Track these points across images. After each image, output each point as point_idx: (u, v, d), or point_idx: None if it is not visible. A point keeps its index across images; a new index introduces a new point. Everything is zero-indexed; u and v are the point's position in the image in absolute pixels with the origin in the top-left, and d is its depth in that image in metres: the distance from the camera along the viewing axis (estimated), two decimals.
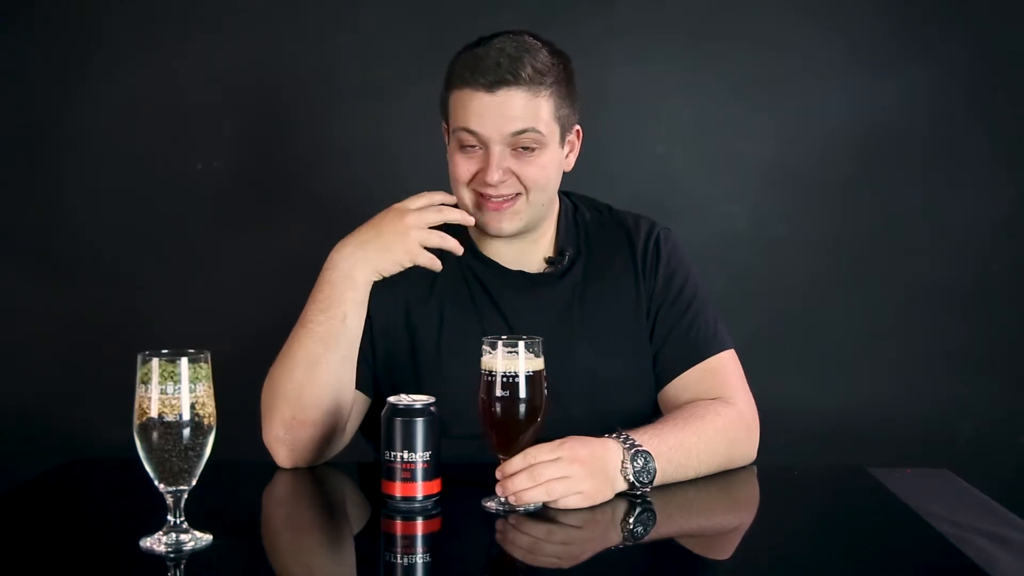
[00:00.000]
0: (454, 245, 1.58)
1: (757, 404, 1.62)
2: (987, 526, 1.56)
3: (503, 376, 1.35)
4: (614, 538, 1.34)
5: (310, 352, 1.54)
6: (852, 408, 2.46)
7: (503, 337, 1.36)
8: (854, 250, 2.48)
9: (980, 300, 2.48)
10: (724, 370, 1.62)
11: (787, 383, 2.39)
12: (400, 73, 2.43)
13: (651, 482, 1.40)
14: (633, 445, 1.40)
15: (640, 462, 1.39)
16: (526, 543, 1.30)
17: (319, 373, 1.53)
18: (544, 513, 1.35)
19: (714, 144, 2.48)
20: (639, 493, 1.40)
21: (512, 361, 1.35)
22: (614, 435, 1.42)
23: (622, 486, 1.39)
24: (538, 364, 1.37)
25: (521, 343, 1.35)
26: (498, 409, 1.35)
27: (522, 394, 1.35)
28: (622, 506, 1.39)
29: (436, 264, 1.58)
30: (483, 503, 1.37)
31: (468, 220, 1.59)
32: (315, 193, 2.47)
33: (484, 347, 1.37)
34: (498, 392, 1.35)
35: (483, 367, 1.37)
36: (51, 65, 2.45)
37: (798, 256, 2.48)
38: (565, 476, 1.34)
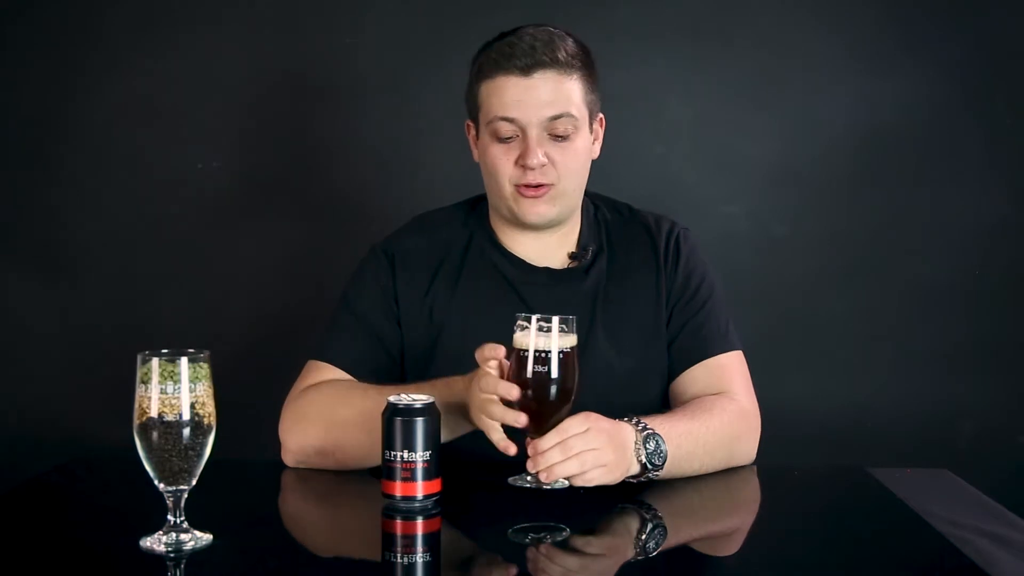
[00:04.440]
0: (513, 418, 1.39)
1: (758, 404, 1.63)
2: (987, 526, 1.56)
3: (537, 353, 1.34)
4: (615, 535, 1.34)
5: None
6: (852, 408, 2.46)
7: (537, 315, 1.35)
8: (854, 250, 2.48)
9: (980, 300, 2.48)
10: (731, 368, 1.64)
11: (787, 383, 2.39)
12: (401, 73, 2.43)
13: (663, 464, 1.42)
14: (645, 428, 1.43)
15: (652, 444, 1.42)
16: (527, 544, 1.30)
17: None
18: (544, 515, 1.35)
19: (714, 144, 2.48)
20: (650, 476, 1.42)
21: (546, 339, 1.34)
22: (625, 419, 1.44)
23: (636, 468, 1.41)
24: (572, 340, 1.36)
25: (555, 319, 1.34)
26: (532, 388, 1.34)
27: (555, 373, 1.34)
28: (623, 504, 1.39)
29: (497, 442, 1.40)
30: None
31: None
32: (315, 193, 2.47)
33: (519, 323, 1.36)
34: (536, 369, 1.34)
35: (517, 344, 1.36)
36: (51, 65, 2.45)
37: (798, 256, 2.48)
38: (594, 448, 1.35)
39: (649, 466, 1.42)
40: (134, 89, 2.44)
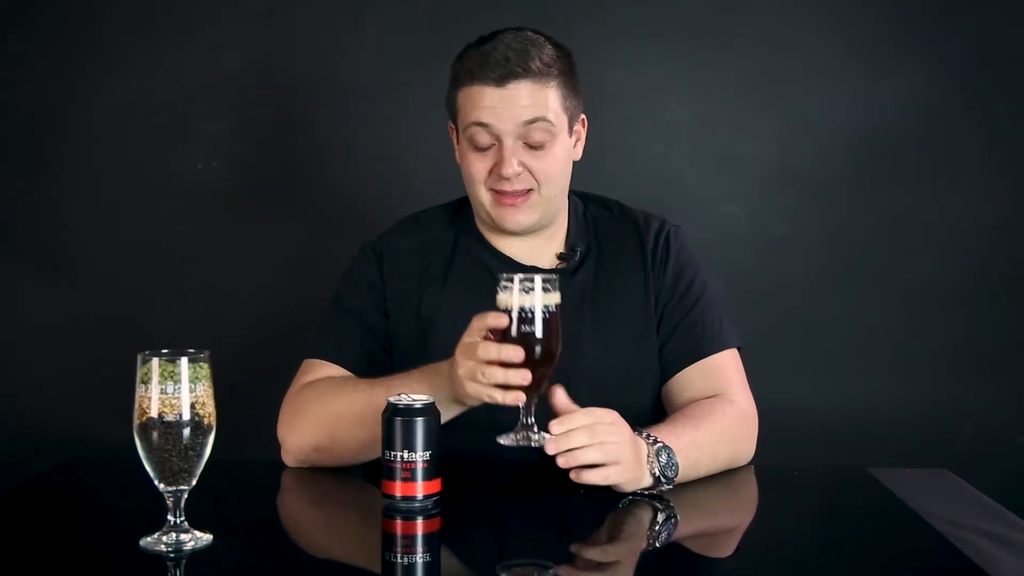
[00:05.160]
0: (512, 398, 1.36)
1: (757, 404, 1.63)
2: (987, 526, 1.56)
3: (522, 312, 1.32)
4: (614, 535, 1.34)
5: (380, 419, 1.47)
6: (852, 408, 2.46)
7: (519, 274, 1.34)
8: (854, 250, 2.48)
9: (980, 300, 2.48)
10: (726, 368, 1.63)
11: (787, 383, 2.39)
12: (401, 73, 2.43)
13: (675, 476, 1.41)
14: (656, 441, 1.42)
15: (664, 457, 1.40)
16: (527, 544, 1.30)
17: (378, 434, 1.45)
18: (543, 515, 1.34)
19: (714, 144, 2.48)
20: (662, 490, 1.41)
21: (531, 297, 1.33)
22: (634, 431, 1.42)
23: (648, 481, 1.40)
24: (556, 298, 1.35)
25: (538, 277, 1.33)
26: (520, 347, 1.32)
27: (540, 331, 1.32)
28: (622, 504, 1.39)
29: (505, 399, 1.35)
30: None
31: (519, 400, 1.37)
32: (315, 193, 2.47)
33: (502, 282, 1.34)
34: (522, 328, 1.32)
35: (500, 304, 1.34)
36: (51, 65, 2.45)
37: (798, 256, 2.48)
38: (617, 441, 1.34)
39: (663, 479, 1.40)
40: (134, 89, 2.44)
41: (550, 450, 1.33)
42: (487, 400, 1.36)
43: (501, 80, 1.54)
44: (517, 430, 1.36)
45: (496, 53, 1.55)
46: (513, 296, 1.33)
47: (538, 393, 1.36)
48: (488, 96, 1.55)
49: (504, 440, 1.37)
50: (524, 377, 1.32)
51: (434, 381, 1.45)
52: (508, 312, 1.33)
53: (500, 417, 1.39)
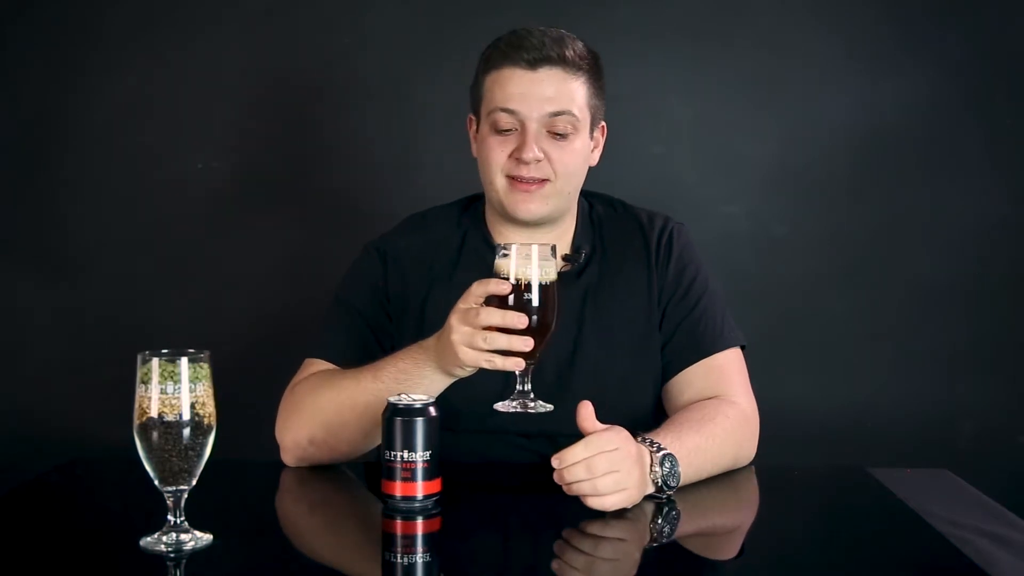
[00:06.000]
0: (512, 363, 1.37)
1: (757, 404, 1.63)
2: (987, 526, 1.56)
3: (521, 280, 1.33)
4: (612, 537, 1.34)
5: (370, 404, 1.47)
6: (852, 408, 2.46)
7: (517, 243, 1.35)
8: (854, 250, 2.48)
9: (980, 300, 2.48)
10: (728, 368, 1.62)
11: (787, 383, 2.39)
12: (401, 73, 2.43)
13: (676, 485, 1.40)
14: (660, 448, 1.40)
15: (667, 466, 1.39)
16: (527, 544, 1.30)
17: (369, 419, 1.49)
18: (543, 515, 1.34)
19: (714, 144, 2.48)
20: (664, 497, 1.40)
21: (529, 266, 1.34)
22: (637, 438, 1.40)
23: (649, 489, 1.39)
24: (552, 270, 1.36)
25: (536, 247, 1.34)
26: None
27: (537, 301, 1.34)
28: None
29: (505, 364, 1.36)
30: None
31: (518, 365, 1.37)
32: (315, 193, 2.47)
33: (501, 251, 1.35)
34: (524, 295, 1.33)
35: (498, 271, 1.35)
36: (51, 65, 2.45)
37: (798, 256, 2.48)
38: (615, 471, 1.32)
39: (665, 488, 1.39)
40: (134, 89, 2.44)
41: (556, 479, 1.33)
42: (484, 365, 1.36)
43: (534, 63, 1.55)
44: (514, 397, 1.38)
45: (532, 38, 1.56)
46: (512, 264, 1.34)
47: (534, 361, 1.36)
48: (517, 80, 1.55)
49: (501, 407, 1.38)
50: (526, 343, 1.33)
51: (418, 355, 1.46)
52: (508, 279, 1.34)
53: (500, 417, 1.39)
